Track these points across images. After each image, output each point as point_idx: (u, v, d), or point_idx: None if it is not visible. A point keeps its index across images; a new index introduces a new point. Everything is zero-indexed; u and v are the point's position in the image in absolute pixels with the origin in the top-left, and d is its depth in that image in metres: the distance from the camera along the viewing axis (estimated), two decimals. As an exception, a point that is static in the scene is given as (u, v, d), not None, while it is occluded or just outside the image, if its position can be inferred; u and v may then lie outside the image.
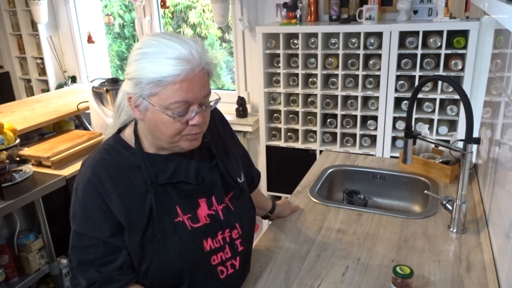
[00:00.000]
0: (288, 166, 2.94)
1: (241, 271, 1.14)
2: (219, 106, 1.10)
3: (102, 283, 1.00)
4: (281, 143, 2.92)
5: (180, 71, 0.92)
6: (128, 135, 1.09)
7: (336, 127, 2.75)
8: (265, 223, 2.91)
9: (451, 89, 2.41)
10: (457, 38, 2.32)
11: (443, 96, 2.42)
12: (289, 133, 2.90)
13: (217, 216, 1.09)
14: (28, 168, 2.16)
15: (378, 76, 2.52)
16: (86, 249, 1.00)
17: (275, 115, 2.92)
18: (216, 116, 1.24)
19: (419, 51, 2.39)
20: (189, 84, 0.94)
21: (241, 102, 3.17)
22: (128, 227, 1.00)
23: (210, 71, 1.00)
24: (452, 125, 2.56)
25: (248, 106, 3.23)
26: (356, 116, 2.67)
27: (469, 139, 1.32)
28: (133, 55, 0.98)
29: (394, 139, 2.66)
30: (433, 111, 2.47)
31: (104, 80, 2.86)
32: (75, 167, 2.38)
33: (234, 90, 3.35)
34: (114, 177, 1.01)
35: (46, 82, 4.06)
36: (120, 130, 1.12)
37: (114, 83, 2.79)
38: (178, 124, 0.97)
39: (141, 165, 1.04)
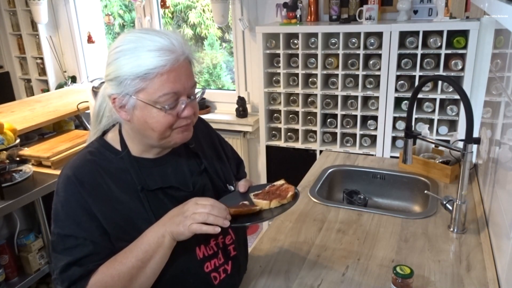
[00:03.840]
0: (288, 166, 2.94)
1: (234, 275, 1.12)
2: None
3: (82, 276, 0.93)
4: (281, 143, 2.92)
5: (165, 62, 0.90)
6: (111, 139, 1.05)
7: (336, 127, 2.75)
8: (265, 223, 2.90)
9: (451, 89, 2.41)
10: (457, 38, 2.32)
11: (443, 96, 2.41)
12: (289, 133, 2.90)
13: None
14: (28, 168, 2.16)
15: (378, 76, 2.52)
16: (72, 250, 0.94)
17: (275, 115, 2.92)
18: (199, 122, 1.21)
19: (419, 51, 2.38)
20: (176, 74, 0.92)
21: (241, 102, 3.16)
22: (111, 230, 0.96)
23: (193, 61, 0.98)
24: (452, 125, 2.56)
25: (248, 106, 3.23)
26: (356, 116, 2.67)
27: (469, 139, 1.32)
28: (112, 55, 0.95)
29: (394, 139, 2.66)
30: (433, 111, 2.47)
31: (104, 80, 2.85)
32: (75, 167, 2.37)
33: (234, 90, 3.34)
34: (97, 179, 0.97)
35: (46, 82, 4.06)
36: (103, 133, 1.08)
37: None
38: (170, 117, 0.94)
39: (130, 170, 1.00)
